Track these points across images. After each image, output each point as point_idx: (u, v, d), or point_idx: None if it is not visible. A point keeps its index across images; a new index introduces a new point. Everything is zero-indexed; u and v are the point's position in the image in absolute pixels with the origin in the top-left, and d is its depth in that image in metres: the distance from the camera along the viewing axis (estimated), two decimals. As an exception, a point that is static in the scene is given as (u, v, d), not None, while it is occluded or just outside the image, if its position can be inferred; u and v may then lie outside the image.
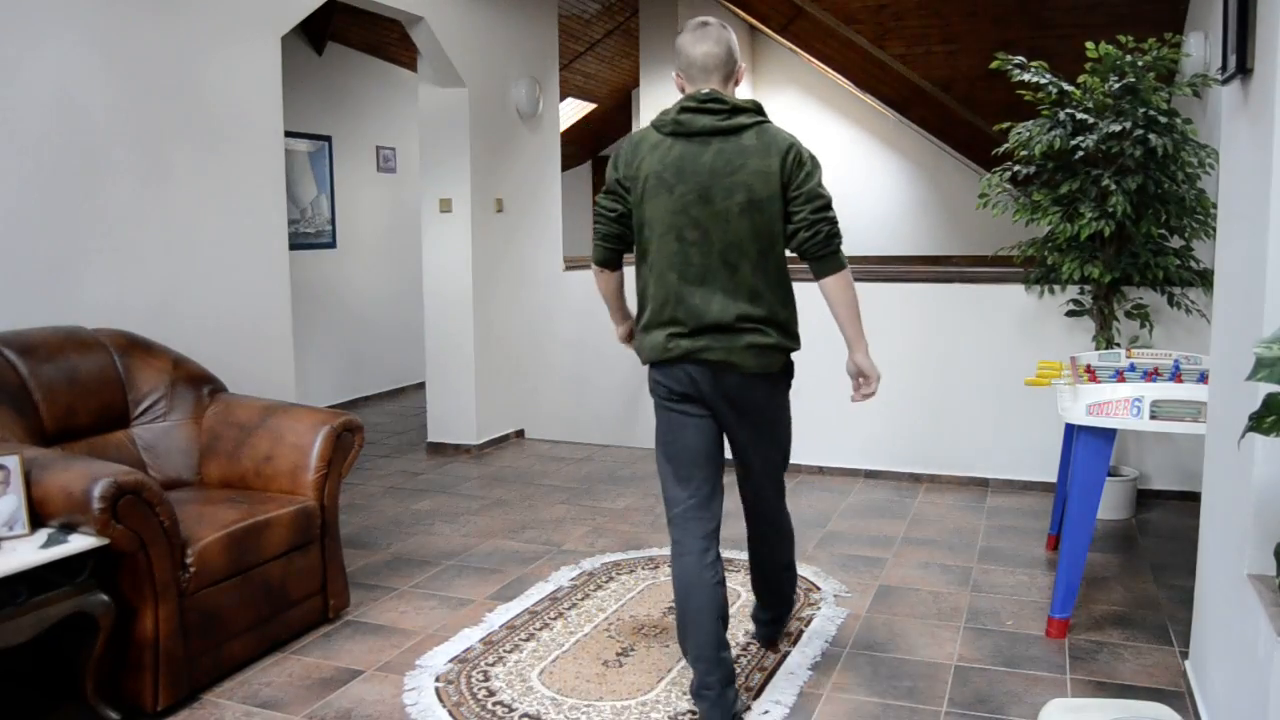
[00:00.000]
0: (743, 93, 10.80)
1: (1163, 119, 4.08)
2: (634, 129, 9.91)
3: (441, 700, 2.72)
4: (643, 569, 3.73)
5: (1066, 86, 4.27)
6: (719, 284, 2.45)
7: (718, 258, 2.44)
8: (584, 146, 11.42)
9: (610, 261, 2.67)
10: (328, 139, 7.27)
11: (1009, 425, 4.87)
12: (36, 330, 3.08)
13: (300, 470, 3.16)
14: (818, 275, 2.50)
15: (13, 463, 2.44)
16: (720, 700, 2.47)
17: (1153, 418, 2.99)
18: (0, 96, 3.13)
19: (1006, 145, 4.43)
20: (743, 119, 2.45)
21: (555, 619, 3.28)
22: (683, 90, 2.54)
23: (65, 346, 3.08)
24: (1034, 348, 4.69)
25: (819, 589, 3.54)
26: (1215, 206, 3.90)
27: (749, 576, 3.59)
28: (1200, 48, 4.61)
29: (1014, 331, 4.84)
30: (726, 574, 3.33)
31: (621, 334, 2.83)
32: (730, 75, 2.52)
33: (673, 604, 2.93)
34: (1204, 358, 3.43)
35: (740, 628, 3.18)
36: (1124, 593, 3.53)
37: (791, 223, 2.46)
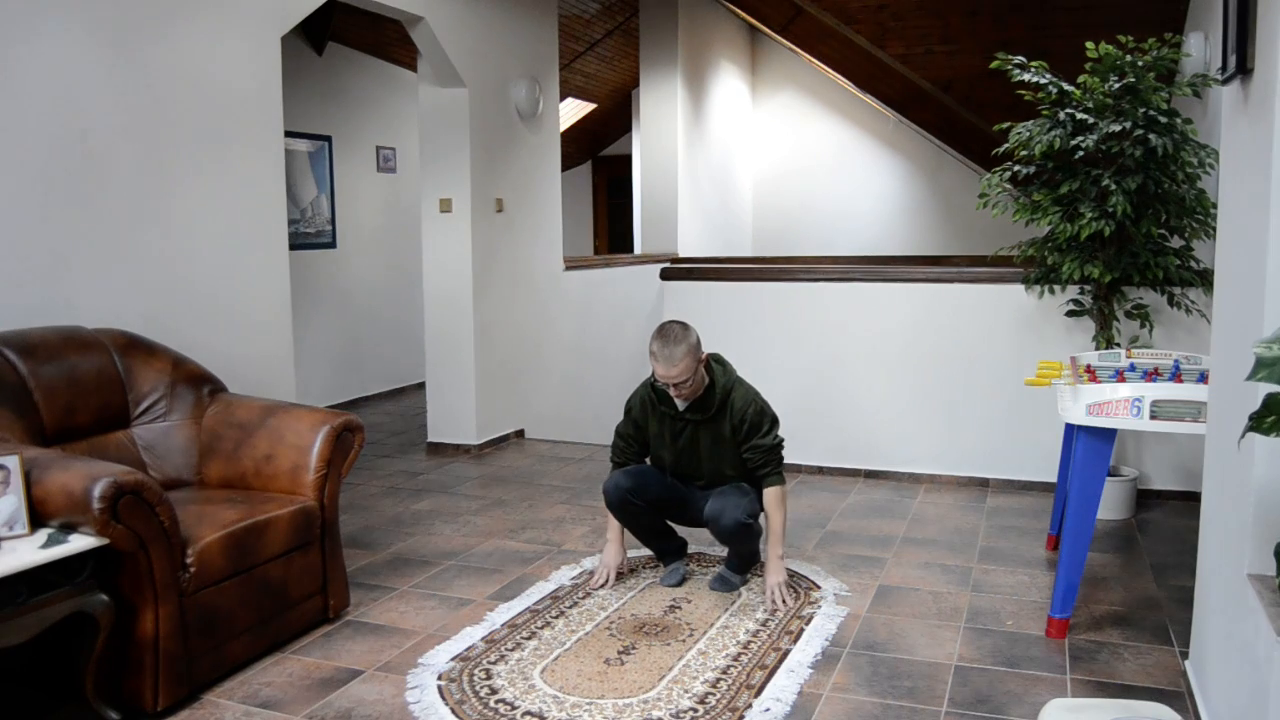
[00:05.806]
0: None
1: (1163, 119, 4.08)
2: (633, 129, 9.91)
3: (444, 698, 2.72)
4: (643, 568, 3.73)
5: (1066, 86, 4.26)
6: None
7: None
8: (584, 146, 11.42)
9: None
10: (328, 139, 7.28)
11: (1009, 425, 4.87)
12: (36, 330, 3.07)
13: (300, 470, 3.16)
14: None
15: (13, 463, 2.44)
16: None
17: (1153, 418, 2.99)
18: (1, 96, 3.13)
19: (1006, 145, 4.43)
20: None
21: (556, 617, 3.28)
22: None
23: (65, 346, 3.07)
24: (1034, 348, 4.69)
25: (819, 588, 3.54)
26: (1215, 206, 3.90)
27: (757, 580, 3.61)
28: (1200, 48, 4.61)
29: (1014, 331, 4.84)
30: (741, 579, 3.67)
31: None
32: None
33: (673, 603, 3.36)
34: (1204, 358, 3.42)
35: (741, 626, 3.18)
36: (1124, 593, 3.53)
37: None
